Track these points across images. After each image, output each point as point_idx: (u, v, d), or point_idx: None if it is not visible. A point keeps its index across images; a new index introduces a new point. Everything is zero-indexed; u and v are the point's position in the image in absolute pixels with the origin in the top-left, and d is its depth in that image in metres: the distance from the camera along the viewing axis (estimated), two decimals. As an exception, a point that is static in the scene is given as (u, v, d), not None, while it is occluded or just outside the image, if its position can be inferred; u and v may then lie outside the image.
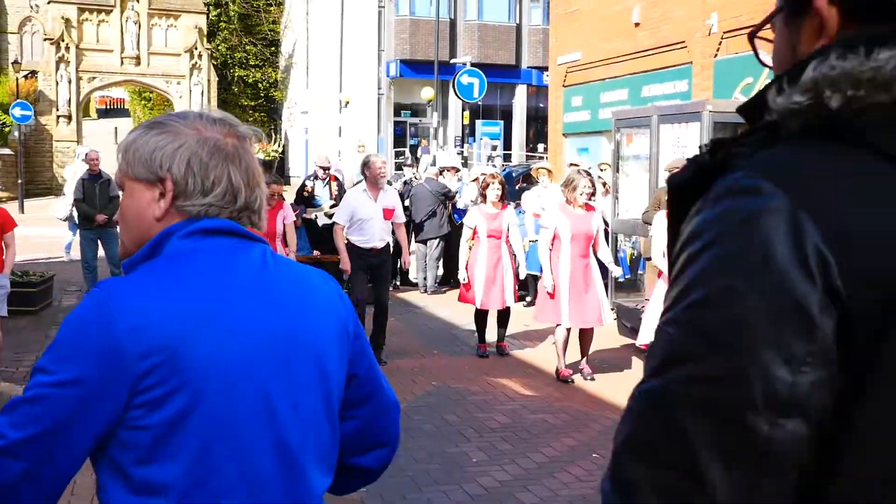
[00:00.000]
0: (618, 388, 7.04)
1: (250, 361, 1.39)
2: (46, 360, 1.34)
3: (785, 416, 0.77)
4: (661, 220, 7.06)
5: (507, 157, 28.23)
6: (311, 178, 11.78)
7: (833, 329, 0.77)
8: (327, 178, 11.54)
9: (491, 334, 8.49)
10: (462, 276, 8.33)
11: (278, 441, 1.41)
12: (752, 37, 1.03)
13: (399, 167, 20.39)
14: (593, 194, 7.42)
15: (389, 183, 9.85)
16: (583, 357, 7.60)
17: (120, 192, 1.53)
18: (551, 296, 7.34)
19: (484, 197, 8.40)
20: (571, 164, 11.36)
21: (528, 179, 15.74)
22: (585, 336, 7.55)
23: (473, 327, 8.59)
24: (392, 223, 8.16)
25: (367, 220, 7.87)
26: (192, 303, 1.36)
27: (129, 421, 1.33)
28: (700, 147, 0.93)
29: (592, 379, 7.45)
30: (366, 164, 8.06)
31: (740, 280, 0.79)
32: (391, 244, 8.38)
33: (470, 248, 8.30)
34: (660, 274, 7.13)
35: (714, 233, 0.82)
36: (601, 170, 12.63)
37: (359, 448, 1.62)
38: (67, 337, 1.35)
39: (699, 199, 0.86)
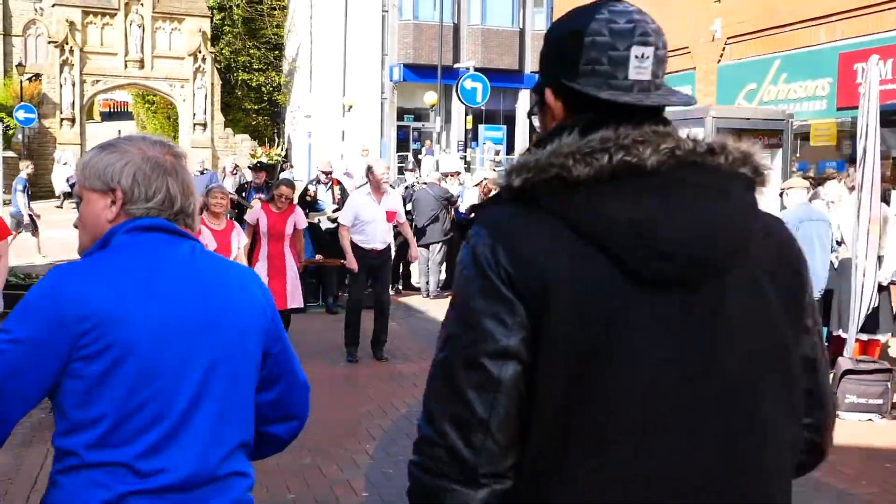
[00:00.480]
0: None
1: (174, 329, 1.73)
2: (7, 324, 1.69)
3: (507, 359, 1.27)
4: None
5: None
6: (314, 183, 11.79)
7: (524, 310, 1.27)
8: (330, 183, 11.56)
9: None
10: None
11: (197, 393, 1.74)
12: (529, 116, 1.50)
13: (401, 171, 20.39)
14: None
15: (392, 186, 10.02)
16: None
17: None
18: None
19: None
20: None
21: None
22: None
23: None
24: (396, 223, 8.49)
25: (369, 223, 8.12)
26: (125, 282, 1.72)
27: (71, 371, 1.67)
28: (469, 206, 1.24)
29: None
30: (369, 170, 8.43)
31: (471, 288, 1.31)
32: (391, 246, 8.59)
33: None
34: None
35: (463, 260, 1.35)
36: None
37: (274, 418, 1.97)
38: (25, 306, 1.70)
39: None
